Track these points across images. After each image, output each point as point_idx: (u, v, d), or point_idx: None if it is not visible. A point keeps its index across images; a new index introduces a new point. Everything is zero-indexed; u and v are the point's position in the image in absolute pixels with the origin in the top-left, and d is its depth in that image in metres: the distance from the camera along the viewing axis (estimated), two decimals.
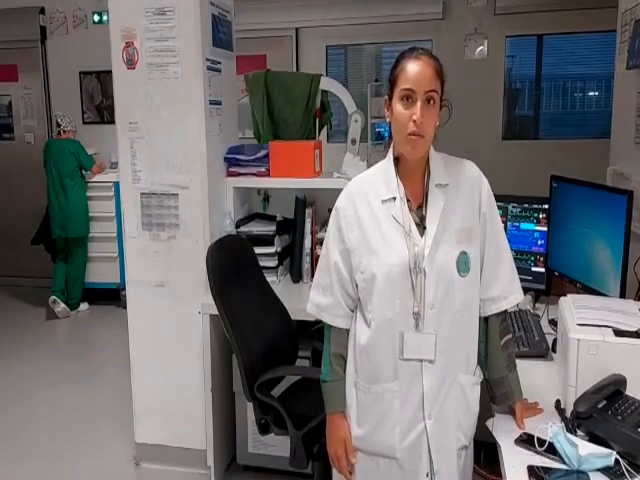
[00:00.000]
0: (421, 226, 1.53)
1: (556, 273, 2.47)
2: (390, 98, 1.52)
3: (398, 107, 1.47)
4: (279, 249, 2.93)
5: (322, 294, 1.66)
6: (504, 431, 1.57)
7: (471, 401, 1.59)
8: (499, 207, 1.87)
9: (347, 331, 1.65)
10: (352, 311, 1.64)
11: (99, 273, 5.62)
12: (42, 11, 6.08)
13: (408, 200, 1.55)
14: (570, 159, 5.09)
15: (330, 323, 1.66)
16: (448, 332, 1.51)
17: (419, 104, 1.44)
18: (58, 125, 5.38)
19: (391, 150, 1.58)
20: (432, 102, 1.46)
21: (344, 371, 1.65)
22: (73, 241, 5.41)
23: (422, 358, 1.51)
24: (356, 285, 1.59)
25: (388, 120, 1.54)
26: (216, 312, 2.18)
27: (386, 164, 1.59)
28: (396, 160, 1.58)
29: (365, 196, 1.58)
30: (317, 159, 2.93)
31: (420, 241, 1.51)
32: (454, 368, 1.54)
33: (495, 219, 1.60)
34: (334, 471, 1.71)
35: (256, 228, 2.96)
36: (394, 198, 1.54)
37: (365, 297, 1.57)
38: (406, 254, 1.49)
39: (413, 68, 1.45)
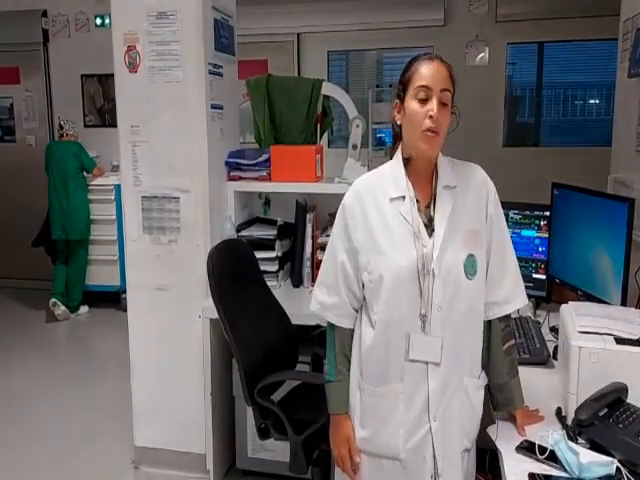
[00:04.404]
0: (429, 227, 1.52)
1: (557, 280, 2.47)
2: (402, 100, 1.51)
3: (413, 105, 1.47)
4: (280, 253, 2.93)
5: (326, 293, 1.65)
6: (505, 438, 1.57)
7: (476, 404, 1.59)
8: None
9: (351, 331, 1.64)
10: (356, 311, 1.63)
11: (99, 276, 5.61)
12: (44, 14, 6.10)
13: (417, 200, 1.54)
14: (571, 166, 5.09)
15: (335, 323, 1.64)
16: (454, 335, 1.51)
17: (435, 100, 1.45)
18: (61, 127, 5.39)
19: (399, 151, 1.58)
20: (445, 105, 1.47)
21: (348, 371, 1.64)
22: (74, 243, 5.41)
23: (428, 360, 1.50)
24: (362, 285, 1.58)
25: (399, 123, 1.54)
26: (216, 316, 2.17)
27: (395, 164, 1.58)
28: (404, 161, 1.57)
29: (373, 194, 1.56)
30: (318, 164, 2.93)
31: (429, 242, 1.50)
32: (459, 371, 1.54)
33: (501, 222, 1.61)
34: (338, 471, 1.70)
35: (257, 232, 2.96)
36: (403, 197, 1.53)
37: (371, 297, 1.56)
38: (414, 255, 1.49)
39: (428, 67, 1.47)
